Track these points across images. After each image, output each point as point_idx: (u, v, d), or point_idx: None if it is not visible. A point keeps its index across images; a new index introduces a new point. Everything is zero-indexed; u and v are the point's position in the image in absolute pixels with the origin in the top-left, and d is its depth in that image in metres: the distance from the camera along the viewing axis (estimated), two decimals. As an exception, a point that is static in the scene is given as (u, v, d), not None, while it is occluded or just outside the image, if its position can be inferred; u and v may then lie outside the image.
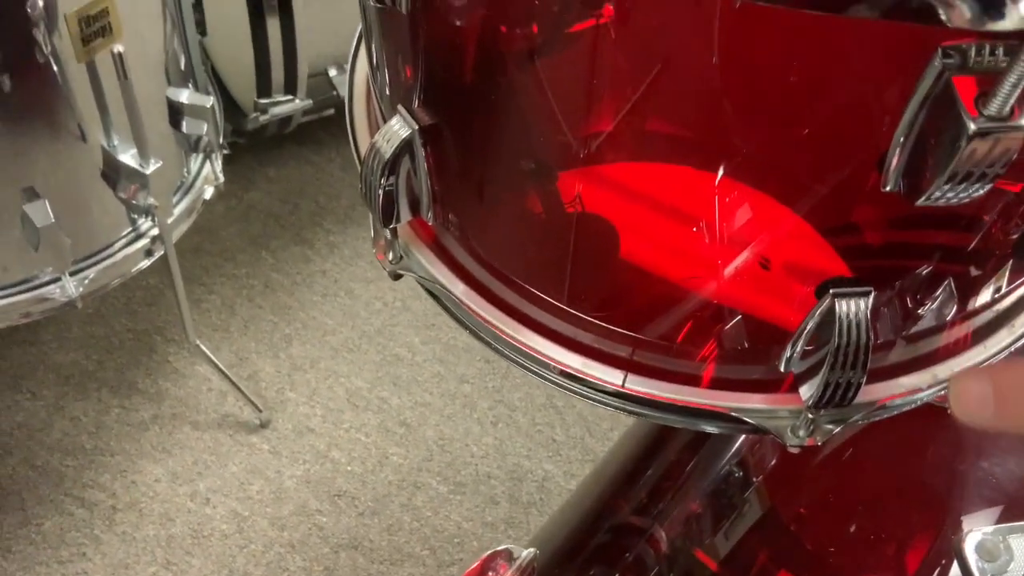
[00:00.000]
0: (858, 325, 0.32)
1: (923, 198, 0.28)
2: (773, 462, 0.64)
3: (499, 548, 0.61)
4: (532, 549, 0.61)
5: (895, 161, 0.28)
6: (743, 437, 0.65)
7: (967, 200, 0.28)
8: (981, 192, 0.27)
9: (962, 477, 0.59)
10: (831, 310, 0.33)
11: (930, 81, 0.26)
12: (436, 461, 1.36)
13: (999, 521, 0.54)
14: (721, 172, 0.34)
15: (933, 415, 0.60)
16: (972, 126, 0.25)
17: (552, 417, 1.43)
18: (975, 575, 0.46)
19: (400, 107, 0.38)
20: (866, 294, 0.33)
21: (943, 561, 0.54)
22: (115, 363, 1.42)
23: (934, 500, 0.59)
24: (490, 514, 1.32)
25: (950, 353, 0.40)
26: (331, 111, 1.63)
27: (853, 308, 0.32)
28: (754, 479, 0.63)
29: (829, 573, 0.58)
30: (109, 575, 1.21)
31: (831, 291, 0.33)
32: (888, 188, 0.29)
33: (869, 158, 0.31)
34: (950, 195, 0.27)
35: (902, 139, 0.28)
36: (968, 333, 0.41)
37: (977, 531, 0.49)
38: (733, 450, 0.65)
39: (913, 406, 0.40)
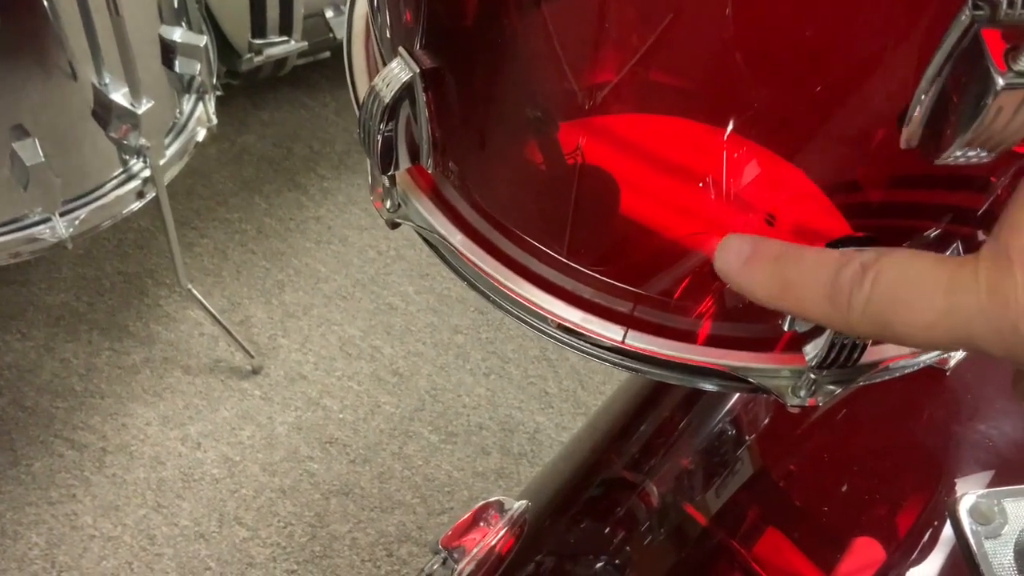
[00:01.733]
0: (867, 285, 0.32)
1: (943, 157, 0.27)
2: (766, 420, 0.64)
3: (491, 499, 0.61)
4: (524, 501, 0.61)
5: (915, 118, 0.27)
6: (737, 395, 0.64)
7: (987, 161, 0.27)
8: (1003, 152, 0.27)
9: (957, 439, 0.59)
10: (839, 270, 0.32)
11: (957, 34, 0.25)
12: (428, 411, 1.37)
13: (993, 484, 0.54)
14: (729, 127, 0.33)
15: (930, 377, 0.60)
16: (1000, 81, 0.24)
17: (545, 370, 1.43)
18: (968, 537, 0.46)
19: (401, 49, 0.36)
20: (875, 253, 0.32)
21: (935, 523, 0.54)
22: (106, 305, 1.41)
23: (928, 461, 0.59)
24: (481, 464, 1.32)
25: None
26: (327, 54, 1.60)
27: (862, 268, 0.32)
28: (747, 437, 0.63)
29: (819, 531, 0.59)
30: (99, 516, 1.22)
31: (839, 250, 0.32)
32: (907, 146, 0.28)
33: (885, 115, 0.30)
34: (971, 155, 0.27)
35: (924, 95, 0.27)
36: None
37: (971, 494, 0.49)
38: (727, 408, 0.64)
39: (916, 368, 0.39)
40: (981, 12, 0.24)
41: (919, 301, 0.27)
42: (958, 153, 0.26)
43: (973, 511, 0.48)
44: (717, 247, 0.33)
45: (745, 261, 0.32)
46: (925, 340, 0.27)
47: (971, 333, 0.26)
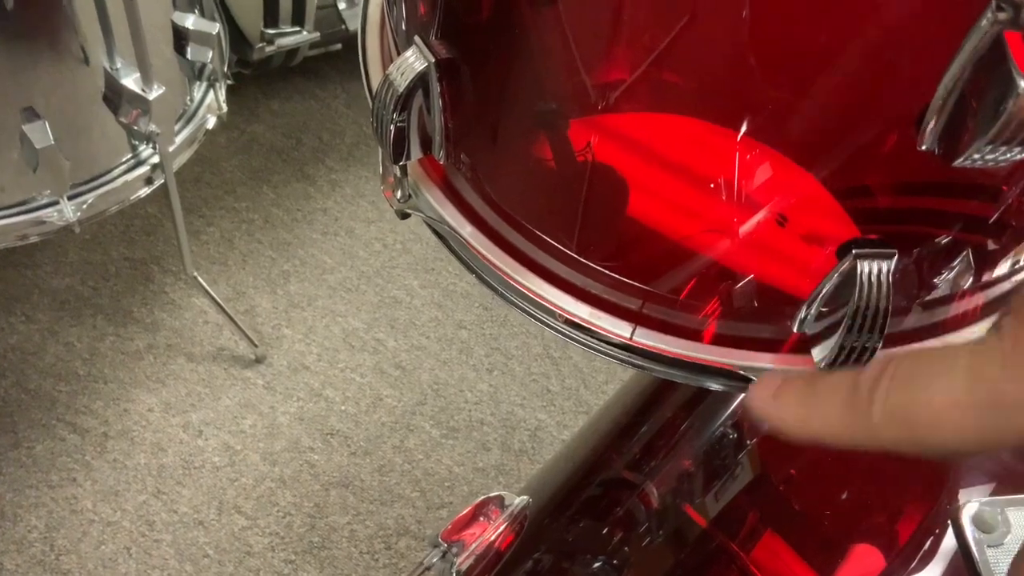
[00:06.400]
0: (879, 288, 0.31)
1: (960, 159, 0.27)
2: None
3: (492, 494, 0.61)
4: (525, 497, 0.61)
5: (935, 120, 0.27)
6: (740, 398, 0.64)
7: (1005, 164, 0.27)
8: (1021, 156, 0.26)
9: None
10: (852, 271, 0.32)
11: (979, 36, 0.25)
12: (430, 405, 1.37)
13: (996, 492, 0.54)
14: (741, 129, 0.32)
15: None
16: (1023, 84, 0.24)
17: (548, 367, 1.43)
18: (971, 546, 0.46)
19: (417, 38, 0.36)
20: (889, 256, 0.32)
21: (937, 530, 0.54)
22: (111, 291, 1.41)
23: (931, 468, 0.59)
24: (481, 460, 1.32)
25: (964, 321, 0.39)
26: (338, 46, 1.60)
27: (875, 270, 0.31)
28: (748, 441, 0.63)
29: (818, 537, 0.58)
30: (99, 501, 1.22)
31: (853, 251, 0.32)
32: (924, 148, 0.28)
33: (898, 120, 0.30)
34: (989, 158, 0.26)
35: (944, 97, 0.26)
36: (983, 303, 0.40)
37: (975, 501, 0.48)
38: (729, 411, 0.64)
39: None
40: (1005, 14, 0.24)
41: (939, 381, 0.25)
42: (976, 156, 0.26)
43: (976, 519, 0.48)
44: (751, 385, 0.33)
45: (775, 394, 0.31)
46: (954, 426, 0.24)
47: (1000, 400, 0.23)
